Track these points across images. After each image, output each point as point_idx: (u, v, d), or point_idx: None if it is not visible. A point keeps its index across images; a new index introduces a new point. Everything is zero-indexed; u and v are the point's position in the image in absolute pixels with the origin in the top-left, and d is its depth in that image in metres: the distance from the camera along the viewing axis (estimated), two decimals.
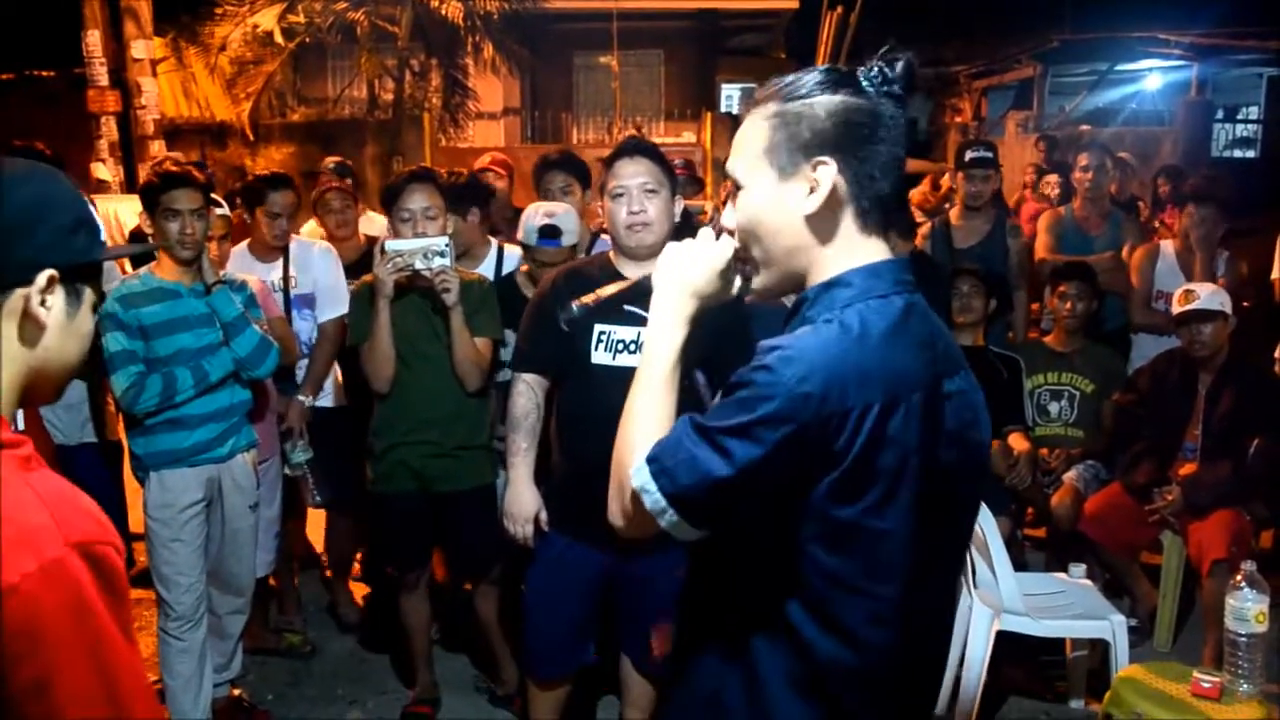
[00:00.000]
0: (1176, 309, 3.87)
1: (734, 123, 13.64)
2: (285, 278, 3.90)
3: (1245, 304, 4.59)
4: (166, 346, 3.04)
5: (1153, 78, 15.00)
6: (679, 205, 2.76)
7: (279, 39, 11.77)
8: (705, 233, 1.47)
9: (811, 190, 1.33)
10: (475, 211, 3.81)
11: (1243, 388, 3.85)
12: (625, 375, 2.59)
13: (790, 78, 1.37)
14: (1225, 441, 3.81)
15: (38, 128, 7.04)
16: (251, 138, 11.56)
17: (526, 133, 16.13)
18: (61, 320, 1.22)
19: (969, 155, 4.86)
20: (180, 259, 3.06)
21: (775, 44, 17.65)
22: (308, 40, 12.41)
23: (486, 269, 3.73)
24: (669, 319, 1.44)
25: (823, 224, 1.35)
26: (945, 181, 7.82)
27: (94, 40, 8.55)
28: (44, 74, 11.08)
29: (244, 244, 3.98)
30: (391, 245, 3.07)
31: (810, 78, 1.35)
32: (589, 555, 2.77)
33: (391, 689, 3.65)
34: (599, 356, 2.66)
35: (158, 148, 8.98)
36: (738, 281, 1.46)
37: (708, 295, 1.44)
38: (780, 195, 1.35)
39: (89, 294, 1.27)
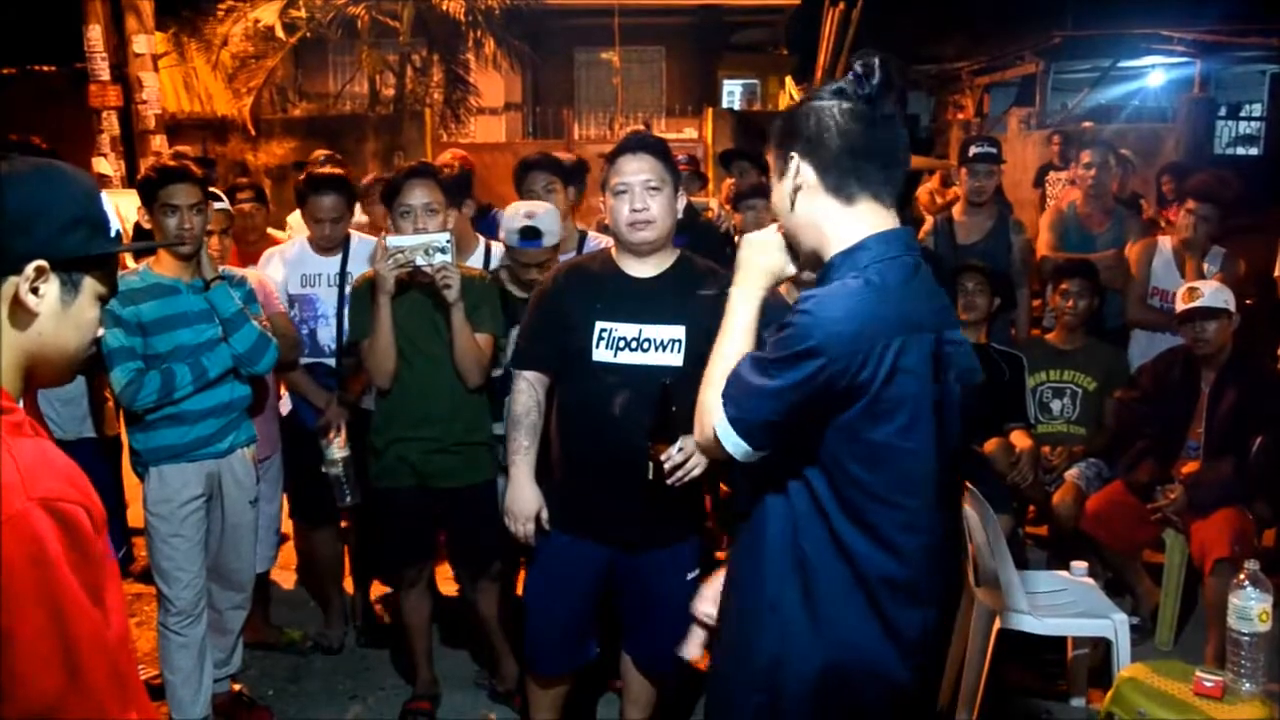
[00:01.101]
0: (1180, 306, 3.86)
1: (735, 118, 13.64)
2: (342, 274, 3.79)
3: (1248, 301, 4.58)
4: (165, 343, 3.03)
5: (1155, 74, 14.98)
6: (682, 201, 2.74)
7: (280, 34, 11.76)
8: (774, 227, 1.80)
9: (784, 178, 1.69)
10: (470, 204, 3.79)
11: (1245, 386, 3.84)
12: (627, 372, 2.62)
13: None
14: (1228, 440, 3.80)
15: (39, 122, 7.03)
16: (253, 133, 11.55)
17: (528, 128, 16.11)
18: (56, 308, 1.29)
19: (973, 151, 4.84)
20: (179, 254, 3.06)
21: (777, 40, 17.62)
22: (309, 35, 12.39)
23: (474, 264, 3.69)
24: (753, 291, 1.77)
25: (806, 205, 1.67)
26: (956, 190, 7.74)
27: (95, 35, 8.54)
28: (45, 69, 11.06)
29: (305, 235, 3.90)
30: (393, 241, 3.06)
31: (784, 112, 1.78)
32: (590, 552, 2.76)
33: (392, 685, 3.64)
34: (600, 354, 2.65)
35: (159, 142, 8.98)
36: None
37: (779, 273, 1.80)
38: (778, 187, 1.72)
39: (89, 285, 1.32)
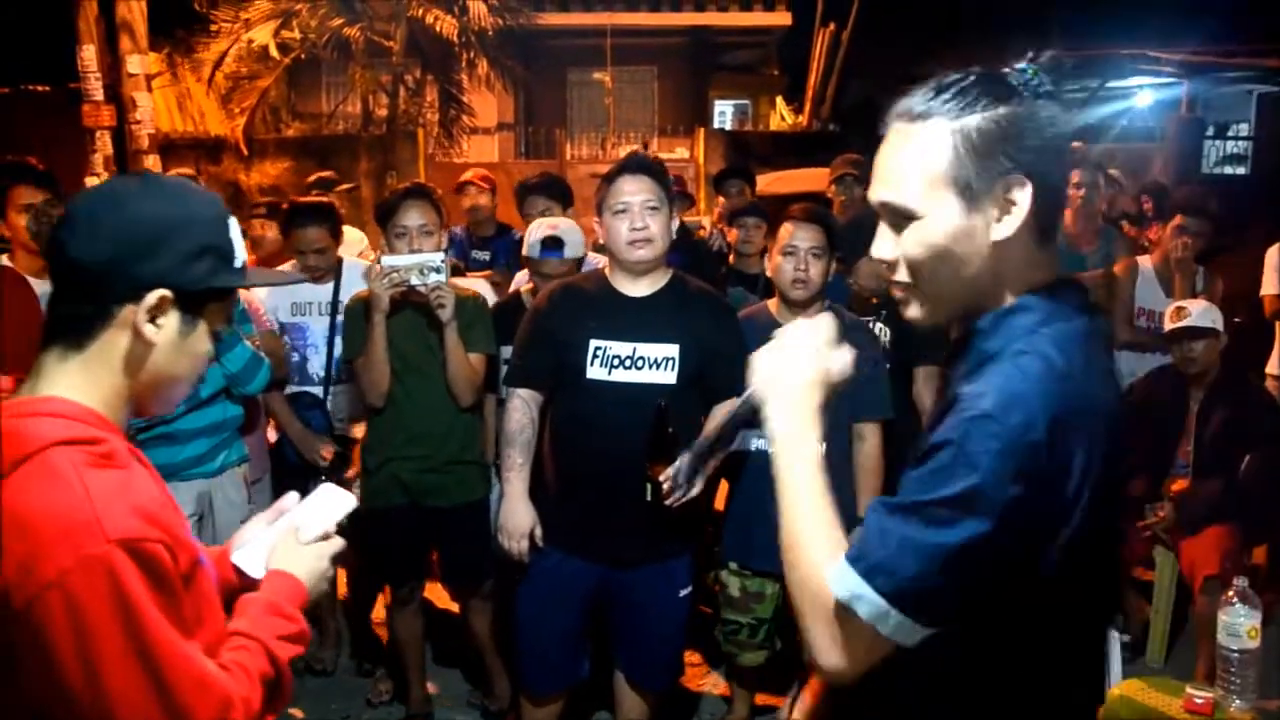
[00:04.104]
0: (1169, 325, 3.89)
1: (727, 138, 13.69)
2: (334, 302, 3.75)
3: (1237, 320, 4.61)
4: None
5: (1143, 95, 15.07)
6: (675, 222, 2.77)
7: (274, 53, 11.79)
8: (793, 326, 1.35)
9: (1002, 215, 1.20)
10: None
11: (1233, 404, 3.86)
12: (620, 390, 2.64)
13: (947, 89, 1.22)
14: (1217, 458, 3.82)
15: (32, 141, 7.04)
16: (246, 153, 11.56)
17: (520, 148, 16.15)
18: (174, 339, 1.23)
19: None
20: None
21: (768, 60, 17.73)
22: (303, 55, 12.42)
23: None
24: (801, 422, 1.26)
25: (1010, 248, 1.21)
26: None
27: (89, 55, 8.54)
28: (39, 88, 11.08)
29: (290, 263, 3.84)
30: (387, 261, 3.08)
31: (973, 87, 1.21)
32: (582, 569, 2.77)
33: (384, 705, 3.62)
34: (594, 372, 2.66)
35: (152, 162, 8.96)
36: (847, 348, 1.33)
37: (834, 375, 1.31)
38: (969, 223, 1.20)
39: (208, 317, 1.26)
